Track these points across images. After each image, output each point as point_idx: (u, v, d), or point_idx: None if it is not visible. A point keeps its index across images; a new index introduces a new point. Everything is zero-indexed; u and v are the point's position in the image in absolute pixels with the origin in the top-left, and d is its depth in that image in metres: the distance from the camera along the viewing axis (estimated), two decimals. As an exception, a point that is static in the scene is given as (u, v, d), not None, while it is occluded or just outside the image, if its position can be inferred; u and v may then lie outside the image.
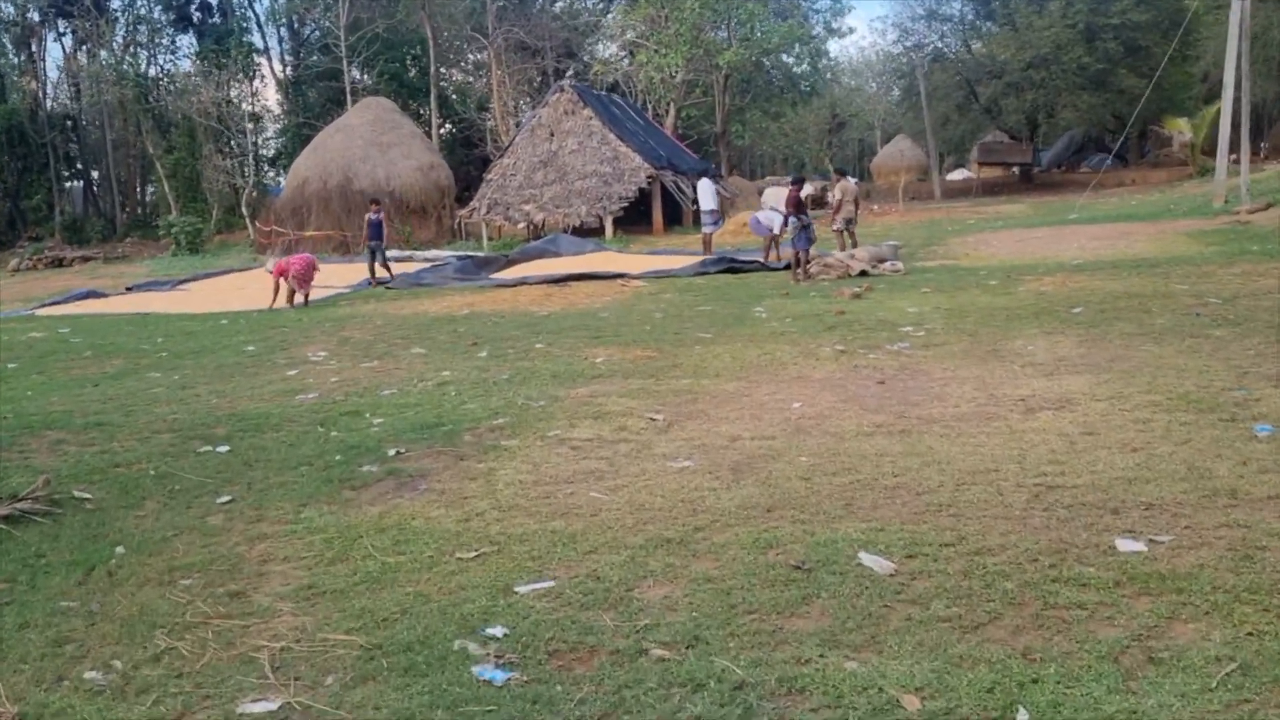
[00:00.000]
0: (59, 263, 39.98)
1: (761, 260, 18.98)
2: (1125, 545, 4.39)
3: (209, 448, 7.33)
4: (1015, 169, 56.90)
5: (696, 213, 33.13)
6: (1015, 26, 46.11)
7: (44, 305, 20.49)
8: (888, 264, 17.69)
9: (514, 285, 18.33)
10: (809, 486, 5.60)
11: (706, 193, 21.77)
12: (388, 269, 20.49)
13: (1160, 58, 46.56)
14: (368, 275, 20.28)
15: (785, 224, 18.64)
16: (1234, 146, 26.67)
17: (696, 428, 7.24)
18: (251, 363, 11.36)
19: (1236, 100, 25.58)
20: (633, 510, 5.38)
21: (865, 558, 4.41)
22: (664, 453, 6.58)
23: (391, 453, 6.97)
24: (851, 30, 52.34)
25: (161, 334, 14.65)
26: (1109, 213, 27.50)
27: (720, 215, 22.26)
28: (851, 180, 19.63)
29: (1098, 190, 38.33)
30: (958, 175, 63.66)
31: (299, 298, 17.54)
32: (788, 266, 18.54)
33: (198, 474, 6.65)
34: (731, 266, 18.62)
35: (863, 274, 17.04)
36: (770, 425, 7.16)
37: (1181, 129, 41.53)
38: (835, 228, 19.52)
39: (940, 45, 53.51)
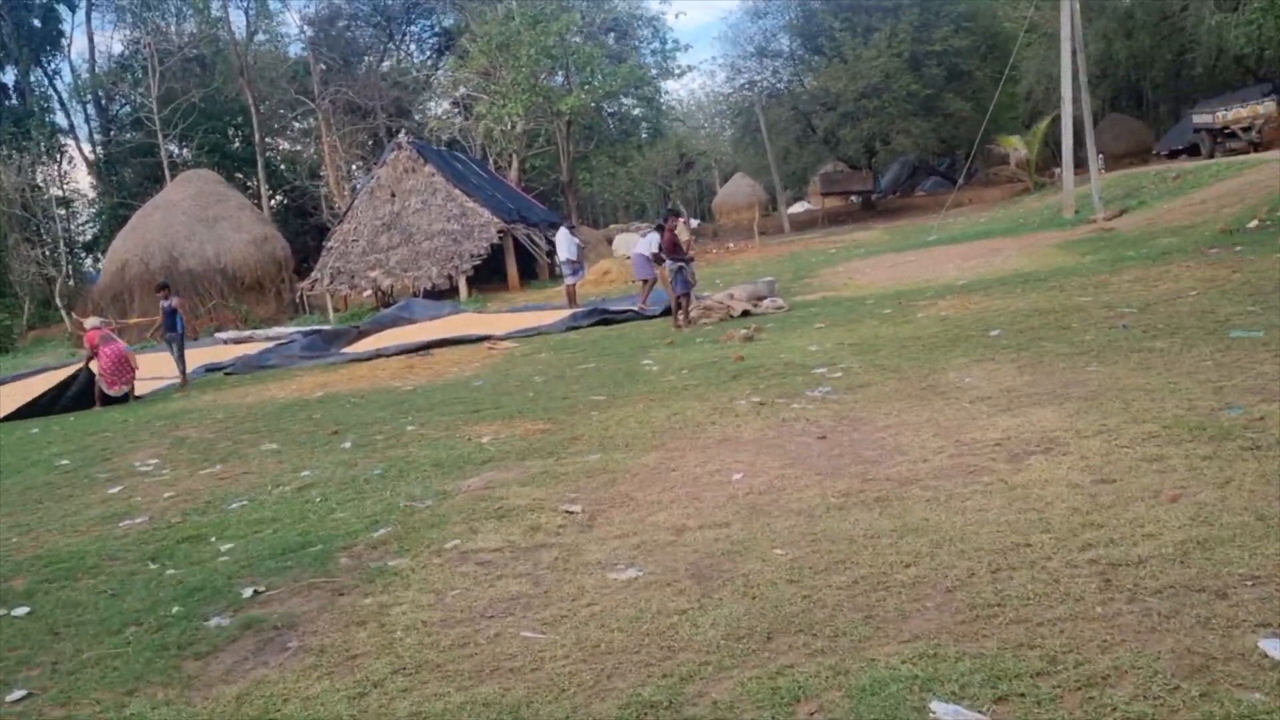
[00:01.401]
0: None
1: (635, 309, 17.85)
2: (1275, 649, 3.28)
3: (2, 611, 5.64)
4: (856, 197, 57.83)
5: (553, 266, 32.06)
6: (844, 59, 46.80)
7: None
8: (767, 301, 16.81)
9: (370, 359, 16.71)
10: (803, 593, 4.36)
11: (565, 243, 20.58)
12: (181, 369, 16.90)
13: (982, 80, 48.17)
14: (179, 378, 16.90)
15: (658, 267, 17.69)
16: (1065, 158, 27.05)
17: (626, 519, 5.94)
18: (65, 481, 9.51)
19: (1077, 113, 25.95)
20: (586, 656, 4.03)
21: (941, 710, 3.17)
22: (598, 559, 5.25)
23: (248, 593, 5.44)
24: (690, 68, 52.29)
25: (-42, 453, 12.52)
26: (965, 231, 27.51)
27: (580, 265, 21.09)
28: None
29: (944, 211, 38.83)
30: (798, 208, 64.43)
31: (118, 389, 15.52)
32: (665, 313, 17.51)
33: (-16, 655, 4.99)
34: (604, 318, 17.44)
35: (745, 314, 16.11)
36: (716, 507, 5.91)
37: (1016, 146, 42.58)
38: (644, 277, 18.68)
39: (773, 80, 54.05)
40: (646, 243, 18.34)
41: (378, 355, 16.80)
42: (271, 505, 7.41)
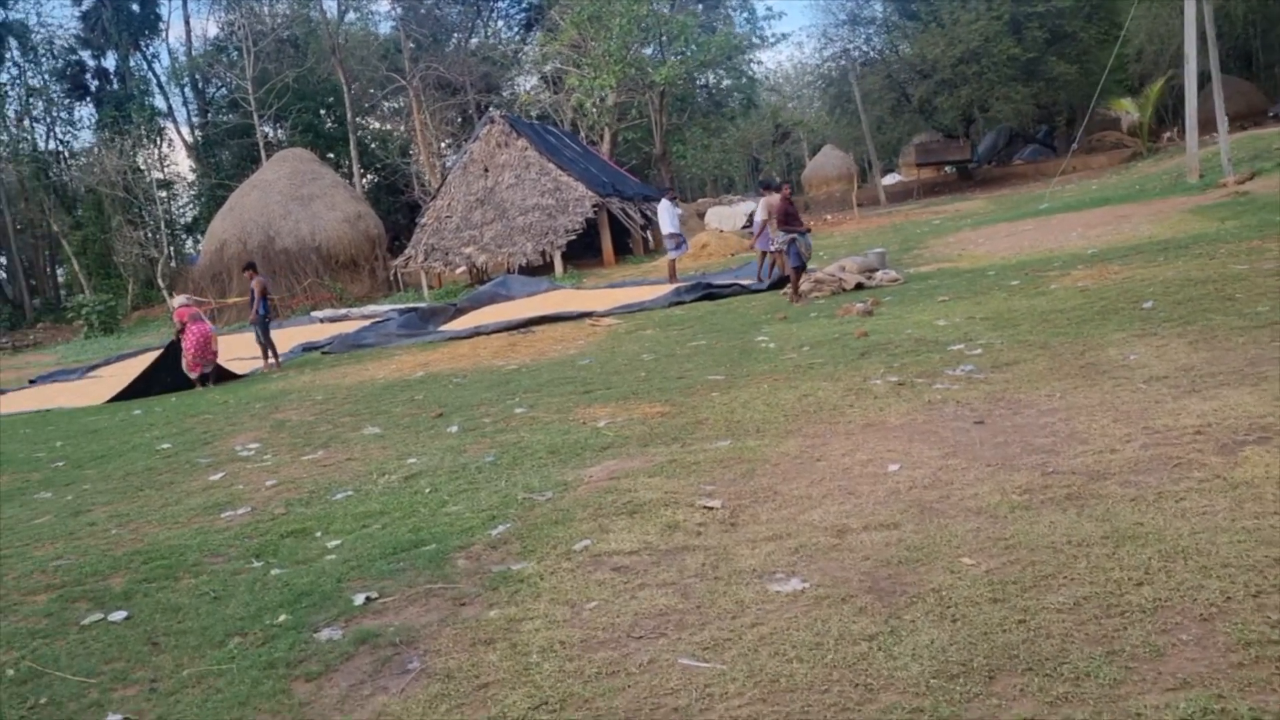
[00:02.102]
0: (-37, 357, 37.05)
1: (741, 283, 17.13)
2: None
3: (99, 615, 5.21)
4: (950, 168, 56.01)
5: (646, 240, 31.43)
6: (941, 23, 45.14)
7: (-69, 410, 17.96)
8: (880, 273, 15.95)
9: (469, 337, 16.29)
10: (1016, 617, 3.65)
11: (667, 215, 19.89)
12: (265, 352, 16.49)
13: (1087, 42, 46.13)
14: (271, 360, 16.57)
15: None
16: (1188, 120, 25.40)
17: (775, 516, 5.28)
18: (166, 467, 9.18)
19: (1203, 69, 24.36)
20: (764, 694, 3.38)
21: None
22: (752, 566, 4.61)
23: (359, 600, 4.92)
24: (785, 36, 50.67)
25: (61, 435, 12.38)
26: (1079, 199, 26.10)
27: (683, 238, 20.38)
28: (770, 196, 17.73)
29: (1048, 179, 37.19)
30: (889, 179, 62.66)
31: (199, 371, 15.42)
32: (773, 286, 16.76)
33: (79, 666, 4.54)
34: (709, 293, 16.75)
35: (858, 287, 15.29)
36: (877, 504, 5.22)
37: (1128, 109, 40.54)
38: (774, 248, 17.73)
39: (865, 49, 52.53)
40: (763, 209, 17.62)
41: (477, 333, 16.37)
42: (378, 496, 6.92)
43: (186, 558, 6.06)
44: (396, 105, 52.36)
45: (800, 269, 14.62)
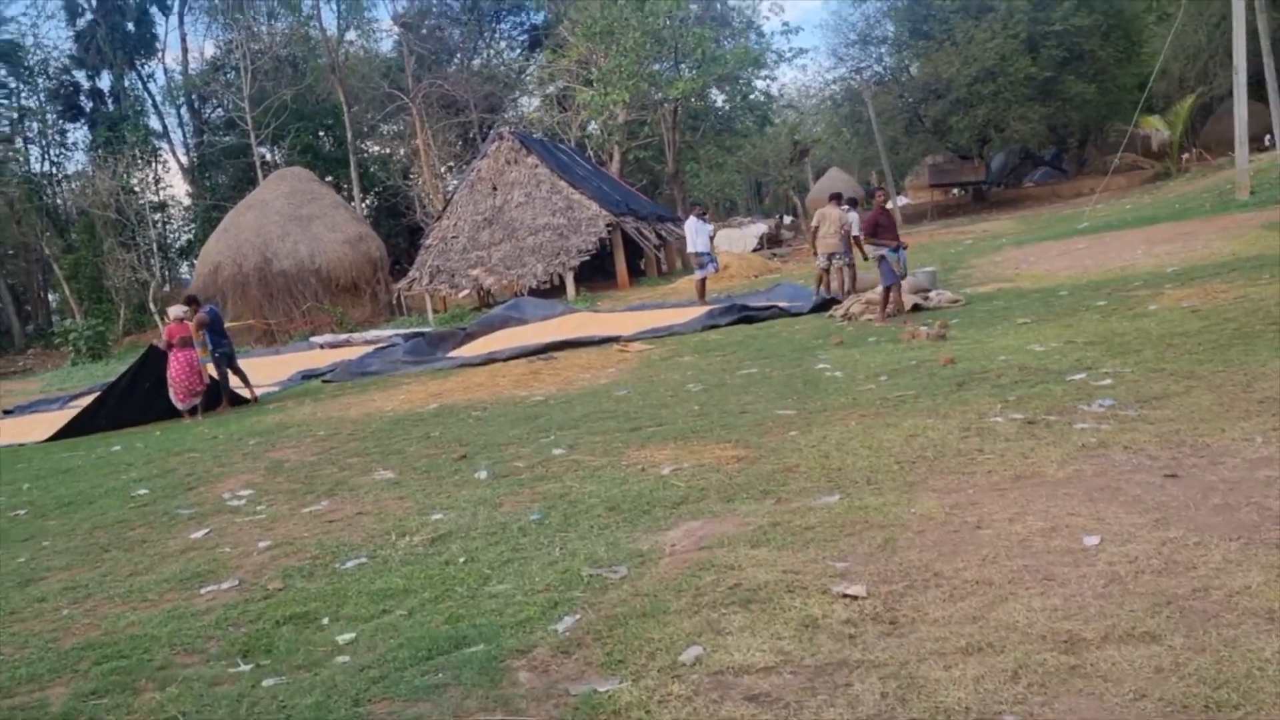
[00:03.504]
0: (-53, 385, 35.57)
1: (780, 305, 15.74)
2: None
3: (23, 754, 3.77)
4: (958, 190, 54.72)
5: (660, 261, 30.07)
6: (955, 42, 44.03)
7: (-103, 444, 16.50)
8: (935, 294, 14.58)
9: (483, 364, 14.87)
10: None
11: (696, 233, 18.48)
12: (243, 383, 14.90)
13: (1105, 61, 45.03)
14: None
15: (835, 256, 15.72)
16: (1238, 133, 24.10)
17: (952, 613, 3.85)
18: (140, 519, 7.73)
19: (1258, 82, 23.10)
20: None
21: None
22: (965, 705, 3.16)
23: (386, 739, 3.48)
24: (803, 52, 49.27)
25: (30, 476, 10.93)
26: (1121, 219, 24.75)
27: (713, 257, 18.99)
28: (842, 208, 16.37)
29: (1064, 200, 36.05)
30: (891, 205, 61.43)
31: (187, 403, 13.99)
32: (814, 309, 15.40)
33: None
34: (745, 315, 15.34)
35: (915, 309, 13.90)
36: (1099, 597, 3.79)
37: (1157, 127, 39.30)
38: (819, 264, 16.42)
39: (877, 69, 51.40)
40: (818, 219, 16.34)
41: (491, 360, 14.95)
42: (400, 566, 5.48)
43: (152, 656, 4.62)
44: (397, 128, 51.20)
45: (889, 289, 13.08)
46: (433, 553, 5.67)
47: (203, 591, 5.55)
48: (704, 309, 16.67)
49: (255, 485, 8.43)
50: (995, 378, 8.29)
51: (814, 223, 16.23)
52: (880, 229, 12.85)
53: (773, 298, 17.20)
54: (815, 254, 16.58)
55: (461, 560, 5.40)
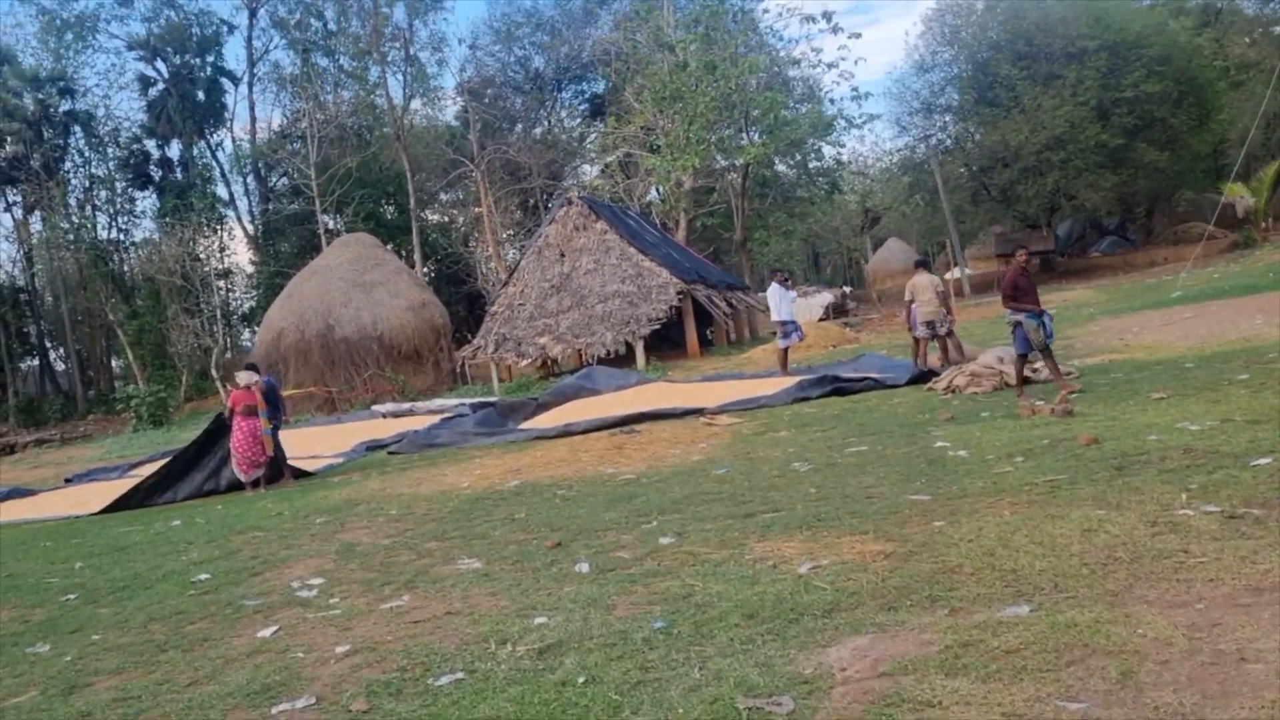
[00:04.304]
0: (10, 449, 35.66)
1: (874, 376, 14.82)
2: None
3: None
4: (1029, 259, 53.40)
5: (728, 331, 29.26)
6: (1024, 109, 43.22)
7: (-49, 514, 16.01)
8: (1043, 366, 13.56)
9: (558, 436, 14.09)
10: None
11: (779, 300, 17.66)
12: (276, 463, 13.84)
13: (1177, 128, 43.96)
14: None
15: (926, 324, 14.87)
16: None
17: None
18: (200, 611, 6.94)
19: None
20: None
21: None
22: None
23: None
24: (875, 118, 48.47)
25: (84, 552, 10.26)
26: (1216, 288, 23.57)
27: (797, 325, 18.13)
28: (928, 275, 15.55)
29: (1135, 270, 34.78)
30: (956, 273, 60.28)
31: (251, 474, 13.34)
32: (912, 381, 14.44)
33: None
34: (838, 388, 14.43)
35: (1026, 382, 12.88)
36: None
37: (1241, 194, 38.03)
38: (916, 334, 15.48)
39: (942, 137, 50.68)
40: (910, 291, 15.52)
41: (567, 432, 14.16)
42: (505, 685, 4.61)
43: (216, 804, 3.77)
44: (457, 196, 51.35)
45: (1024, 357, 11.92)
46: (543, 668, 4.79)
47: (274, 712, 4.71)
48: (791, 380, 15.77)
49: (326, 572, 7.63)
50: (1159, 461, 7.29)
51: (907, 296, 15.37)
52: (1020, 291, 11.60)
53: (862, 368, 16.27)
54: (909, 327, 15.70)
55: (581, 681, 4.52)
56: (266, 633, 6.11)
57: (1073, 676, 3.85)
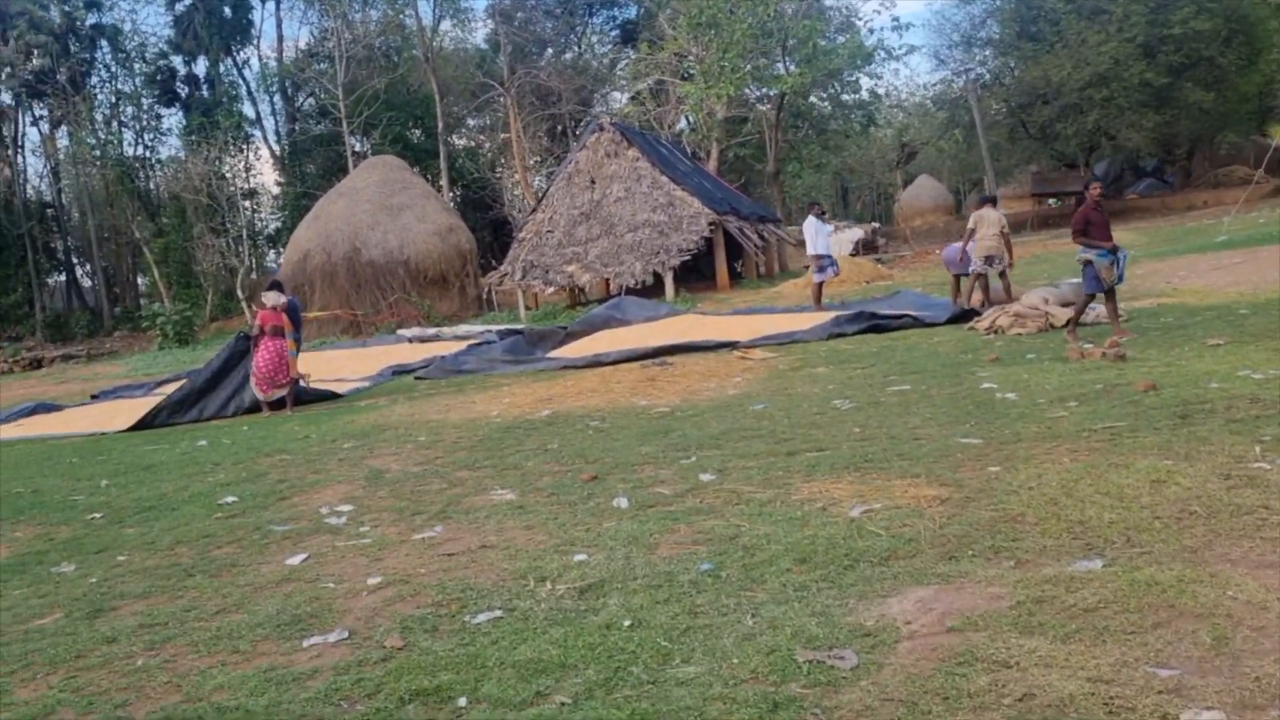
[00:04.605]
0: (37, 364, 35.82)
1: (912, 314, 14.45)
2: None
3: None
4: (1056, 200, 52.39)
5: (758, 264, 28.82)
6: (1067, 44, 41.94)
7: (-21, 427, 15.99)
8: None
9: (587, 366, 13.85)
10: None
11: (815, 233, 17.22)
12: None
13: (1225, 68, 42.68)
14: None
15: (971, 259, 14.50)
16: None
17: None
18: (228, 534, 6.77)
19: None
20: None
21: None
22: None
23: None
24: (915, 49, 46.76)
25: (110, 470, 10.14)
26: (1268, 233, 22.92)
27: (833, 259, 17.70)
28: (996, 211, 15.03)
29: (1174, 214, 34.00)
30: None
31: (269, 394, 13.22)
32: (951, 320, 14.09)
33: None
34: (875, 325, 14.09)
35: (1077, 324, 12.51)
36: None
37: (1287, 137, 36.91)
38: (970, 269, 14.98)
39: (981, 72, 49.40)
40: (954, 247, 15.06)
41: (597, 362, 13.92)
42: (546, 625, 4.39)
43: (244, 745, 3.58)
44: (484, 122, 50.63)
45: (1091, 297, 11.39)
46: (585, 608, 4.57)
47: (305, 645, 4.52)
48: (826, 315, 15.42)
49: (355, 499, 7.44)
50: (1224, 410, 6.97)
51: (970, 224, 14.80)
52: (1093, 227, 11.00)
53: (898, 305, 15.89)
54: (963, 258, 15.09)
55: (627, 624, 4.29)
56: (295, 560, 5.92)
57: (1161, 640, 3.58)
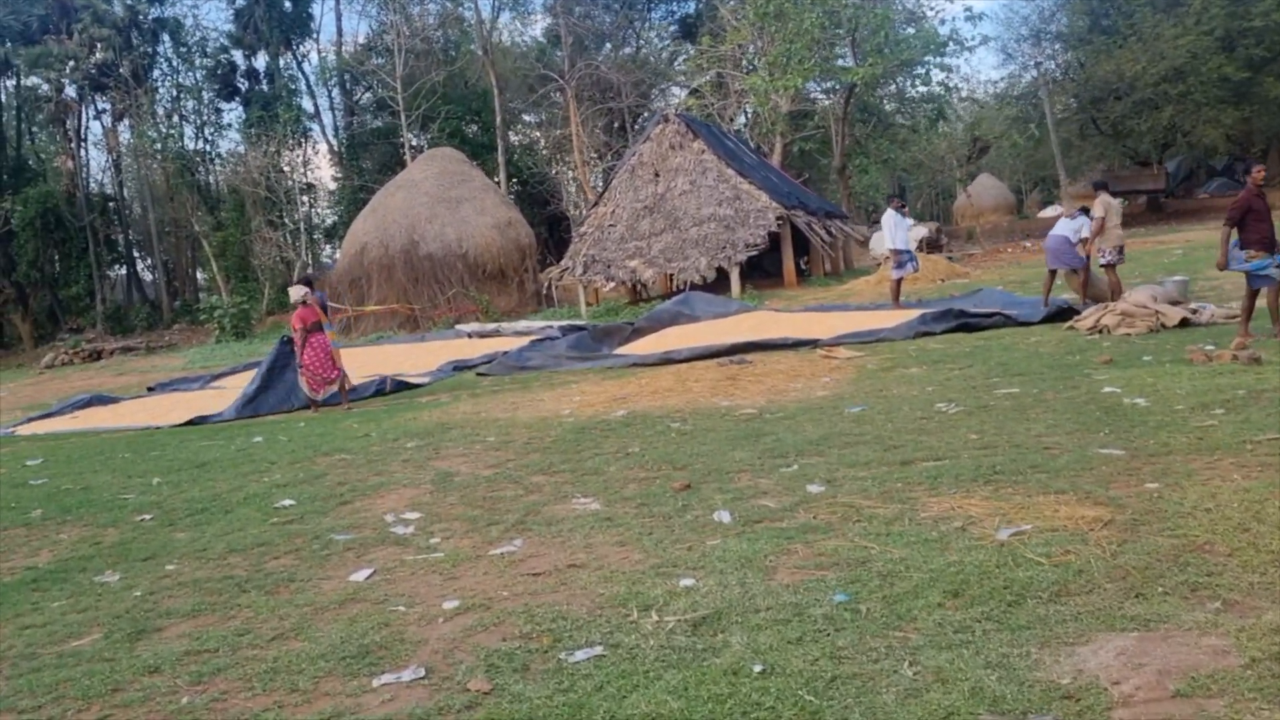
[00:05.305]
0: (97, 355, 35.91)
1: (1003, 312, 13.57)
2: None
3: None
4: (1125, 199, 50.66)
5: (824, 262, 27.95)
6: (1141, 37, 40.48)
7: (34, 418, 15.67)
8: (1203, 309, 12.26)
9: (658, 364, 13.15)
10: None
11: (893, 227, 16.36)
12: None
13: (1310, 62, 41.02)
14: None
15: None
16: None
17: None
18: (285, 542, 6.16)
19: None
20: None
21: None
22: None
23: None
24: (987, 40, 45.31)
25: (163, 467, 9.62)
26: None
27: (913, 255, 16.84)
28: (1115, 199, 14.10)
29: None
30: (1048, 212, 57.48)
31: (323, 392, 12.70)
32: (1048, 319, 13.21)
33: None
34: (964, 323, 13.25)
35: (1183, 324, 11.62)
36: None
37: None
38: (1104, 260, 13.95)
39: (1051, 65, 47.93)
40: (1072, 225, 14.04)
41: (668, 360, 13.22)
42: (659, 669, 3.69)
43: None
44: (541, 117, 50.19)
45: (1256, 293, 10.10)
46: (702, 647, 3.87)
47: (375, 685, 3.86)
48: (909, 313, 14.58)
49: (422, 505, 6.80)
50: None
51: (1099, 213, 13.71)
52: (1254, 216, 9.91)
53: (982, 303, 15.01)
54: (1094, 250, 14.00)
55: (758, 670, 3.58)
56: (360, 576, 5.28)
57: None
